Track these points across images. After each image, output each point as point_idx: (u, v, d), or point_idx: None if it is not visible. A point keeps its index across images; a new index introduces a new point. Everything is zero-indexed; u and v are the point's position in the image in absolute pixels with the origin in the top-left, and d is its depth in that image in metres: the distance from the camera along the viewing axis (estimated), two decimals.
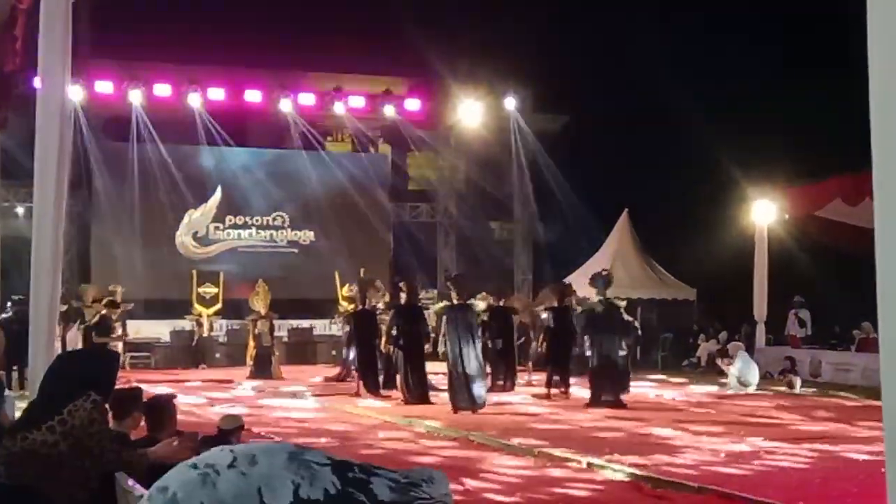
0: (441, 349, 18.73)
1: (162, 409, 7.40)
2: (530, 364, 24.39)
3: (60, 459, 5.80)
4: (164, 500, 1.26)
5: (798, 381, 22.25)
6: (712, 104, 30.43)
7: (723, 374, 22.84)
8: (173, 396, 7.84)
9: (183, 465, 1.33)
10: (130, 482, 5.82)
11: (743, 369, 21.82)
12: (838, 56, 25.54)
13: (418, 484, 1.25)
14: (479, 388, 18.18)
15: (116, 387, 6.88)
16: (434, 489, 1.24)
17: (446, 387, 18.52)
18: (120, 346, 24.77)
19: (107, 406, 6.35)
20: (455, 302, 18.82)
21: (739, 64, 33.82)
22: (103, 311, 22.46)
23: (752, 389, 21.43)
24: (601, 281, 19.96)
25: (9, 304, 22.00)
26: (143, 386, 10.82)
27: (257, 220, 33.57)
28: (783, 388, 21.98)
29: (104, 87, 29.93)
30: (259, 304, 26.64)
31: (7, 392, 8.71)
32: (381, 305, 22.92)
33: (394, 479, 1.28)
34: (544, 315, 23.57)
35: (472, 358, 18.20)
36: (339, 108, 32.00)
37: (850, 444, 13.57)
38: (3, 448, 5.89)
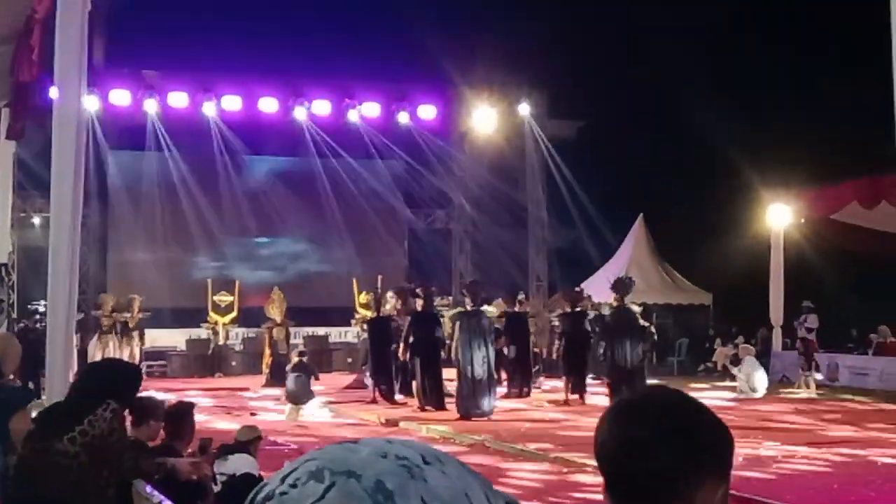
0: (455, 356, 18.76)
1: (181, 418, 7.42)
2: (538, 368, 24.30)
3: (80, 470, 5.82)
4: (366, 488, 1.13)
5: (812, 383, 22.18)
6: (727, 108, 30.38)
7: (735, 378, 22.78)
8: (192, 406, 7.86)
9: (351, 451, 1.21)
10: (148, 488, 5.85)
11: (751, 374, 21.75)
12: (855, 60, 25.49)
13: None
14: (488, 395, 18.19)
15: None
16: None
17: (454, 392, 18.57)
18: (137, 355, 24.88)
19: (125, 413, 6.38)
20: (468, 308, 18.83)
21: (755, 68, 33.76)
22: (121, 321, 22.65)
23: (758, 395, 21.35)
24: (624, 286, 19.91)
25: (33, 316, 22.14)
26: (160, 395, 10.84)
27: (273, 228, 33.62)
28: (801, 391, 21.90)
29: (119, 96, 29.96)
30: (275, 312, 26.69)
31: (37, 400, 8.76)
32: (394, 313, 22.94)
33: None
34: (556, 322, 23.54)
35: (484, 364, 18.20)
36: (353, 115, 32.01)
37: (869, 448, 13.52)
38: (22, 457, 5.91)
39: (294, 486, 1.15)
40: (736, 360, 23.06)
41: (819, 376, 22.24)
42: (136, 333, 25.74)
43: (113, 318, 25.04)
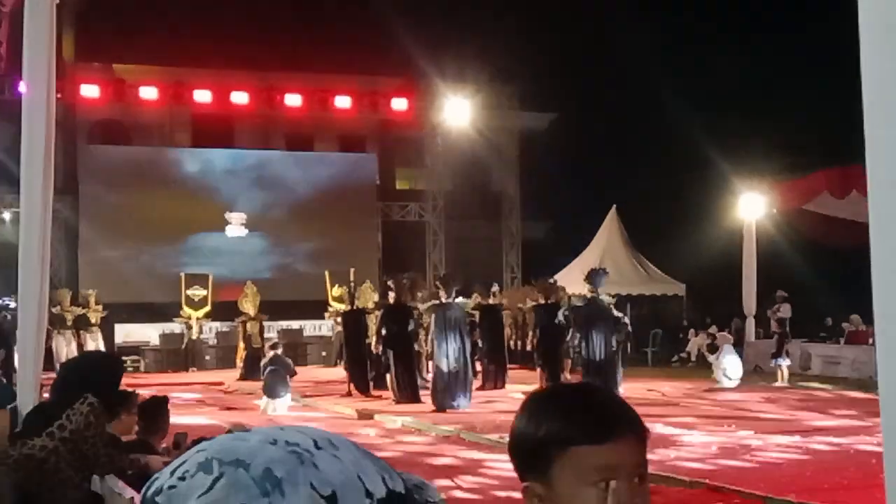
0: (429, 348, 18.77)
1: (155, 412, 7.38)
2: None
3: (58, 464, 5.80)
4: (254, 477, 1.10)
5: (786, 369, 22.28)
6: (699, 99, 30.51)
7: (711, 367, 22.87)
8: (166, 400, 7.82)
9: (241, 440, 1.18)
10: (121, 484, 5.82)
11: (728, 363, 21.85)
12: (825, 50, 25.60)
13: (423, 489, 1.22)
14: (463, 388, 18.20)
15: None
16: (433, 495, 1.20)
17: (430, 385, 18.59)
18: (102, 348, 24.79)
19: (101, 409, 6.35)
20: (443, 301, 18.83)
21: (726, 59, 33.90)
22: (79, 314, 22.74)
23: (734, 383, 21.45)
24: (597, 278, 19.91)
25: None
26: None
27: (246, 221, 33.50)
28: (776, 382, 22.01)
29: (90, 90, 29.81)
30: (248, 306, 26.60)
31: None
32: (370, 305, 22.95)
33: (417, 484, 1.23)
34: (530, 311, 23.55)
35: (459, 357, 18.21)
36: (325, 108, 31.93)
37: (840, 436, 13.60)
38: (5, 454, 5.88)
39: (182, 478, 1.12)
40: (713, 348, 23.15)
41: (787, 362, 22.37)
42: (96, 328, 25.71)
43: (71, 311, 25.05)
